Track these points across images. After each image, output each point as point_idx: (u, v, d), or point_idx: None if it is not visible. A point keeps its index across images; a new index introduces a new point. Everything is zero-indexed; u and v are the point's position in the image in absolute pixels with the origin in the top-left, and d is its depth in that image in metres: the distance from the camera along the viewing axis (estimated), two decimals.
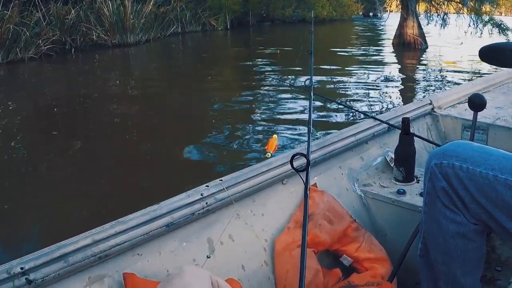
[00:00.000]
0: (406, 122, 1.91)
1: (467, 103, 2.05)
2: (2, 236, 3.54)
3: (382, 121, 2.18)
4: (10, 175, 4.76)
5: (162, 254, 1.37)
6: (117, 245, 1.27)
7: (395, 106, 7.20)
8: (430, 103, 2.60)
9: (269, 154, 1.38)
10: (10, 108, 7.75)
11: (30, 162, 5.20)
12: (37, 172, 4.85)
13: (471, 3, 15.35)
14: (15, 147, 5.71)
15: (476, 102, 1.99)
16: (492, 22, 15.00)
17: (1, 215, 3.82)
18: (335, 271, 1.62)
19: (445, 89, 8.76)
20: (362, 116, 6.26)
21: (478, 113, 2.03)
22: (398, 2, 16.27)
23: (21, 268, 1.11)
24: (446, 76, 10.69)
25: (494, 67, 10.81)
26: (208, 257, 1.42)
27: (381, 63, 12.90)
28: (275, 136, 1.43)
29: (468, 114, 2.04)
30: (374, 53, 15.05)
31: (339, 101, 7.14)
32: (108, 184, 4.49)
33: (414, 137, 1.96)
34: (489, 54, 1.78)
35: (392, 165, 2.02)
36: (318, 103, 7.01)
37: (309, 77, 2.20)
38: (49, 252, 1.16)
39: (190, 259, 1.41)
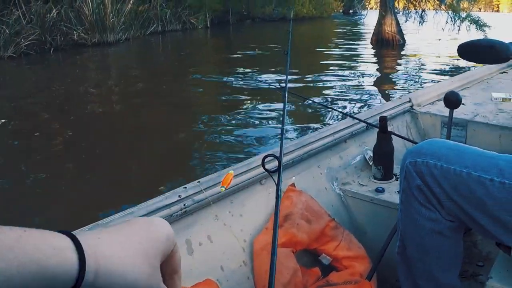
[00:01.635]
0: (383, 121, 1.92)
1: None
2: None
3: (360, 120, 2.18)
4: None
5: None
6: None
7: (373, 105, 7.22)
8: (409, 101, 2.61)
9: (223, 189, 1.38)
10: None
11: (10, 162, 5.14)
12: (17, 173, 4.78)
13: (449, 0, 15.51)
14: None
15: (452, 100, 1.99)
16: (469, 18, 15.16)
17: None
18: (314, 270, 1.62)
19: (424, 86, 8.84)
20: (340, 115, 6.29)
21: (457, 109, 2.04)
22: None
23: None
24: (424, 73, 10.78)
25: (472, 63, 11.01)
26: None
27: (360, 60, 12.94)
28: (231, 172, 1.43)
29: (447, 111, 2.06)
30: (353, 50, 15.10)
31: (317, 101, 7.14)
32: (89, 184, 4.46)
33: (393, 135, 1.97)
34: (467, 50, 1.79)
35: (371, 164, 2.03)
36: (295, 103, 7.01)
37: (284, 78, 2.18)
38: None
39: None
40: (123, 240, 0.54)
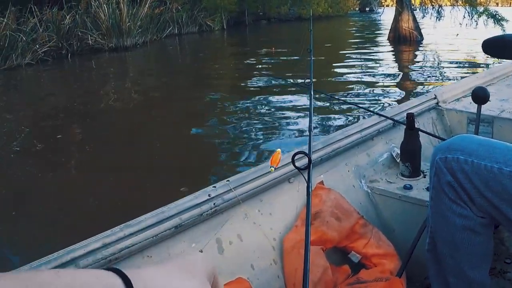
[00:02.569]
0: (410, 118, 1.91)
1: (471, 97, 2.04)
2: (11, 241, 3.55)
3: (387, 117, 2.17)
4: (13, 180, 4.77)
5: (171, 256, 1.37)
6: (127, 248, 1.27)
7: (398, 101, 7.19)
8: (435, 98, 2.59)
9: (272, 169, 1.38)
10: (11, 114, 7.76)
11: (34, 165, 5.21)
12: (40, 177, 4.84)
13: None
14: (18, 151, 5.72)
15: (480, 95, 1.97)
16: (487, 13, 15.02)
17: (8, 221, 3.84)
18: (343, 268, 1.63)
19: (446, 82, 8.78)
20: (366, 112, 6.24)
21: (483, 106, 2.01)
22: None
23: None
24: (444, 69, 10.69)
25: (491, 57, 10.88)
26: (200, 251, 1.43)
27: (379, 57, 12.88)
28: (279, 150, 1.43)
29: (473, 107, 2.04)
30: (371, 47, 15.05)
31: (342, 99, 7.13)
32: (112, 187, 4.50)
33: (420, 132, 1.96)
34: (492, 46, 1.78)
35: (398, 161, 2.02)
36: (321, 101, 7.00)
37: (308, 75, 2.16)
38: (59, 256, 1.17)
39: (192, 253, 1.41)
40: (165, 267, 0.57)
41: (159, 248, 1.37)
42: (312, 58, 2.12)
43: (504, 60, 3.29)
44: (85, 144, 6.01)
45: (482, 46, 1.78)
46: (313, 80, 2.06)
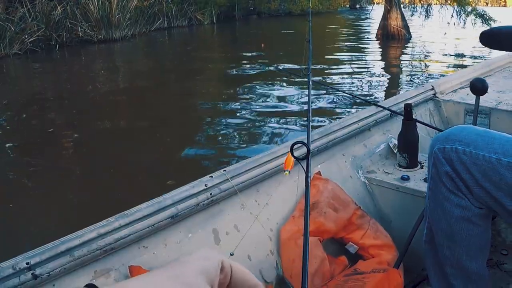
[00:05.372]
0: (408, 108, 1.91)
1: (469, 88, 2.04)
2: (6, 233, 3.52)
3: (384, 108, 2.17)
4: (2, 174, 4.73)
5: (167, 246, 1.37)
6: (122, 238, 1.26)
7: (395, 93, 7.20)
8: (432, 89, 2.60)
9: (287, 173, 1.37)
10: None
11: (21, 158, 5.16)
12: (28, 170, 4.80)
13: None
14: (5, 144, 5.66)
15: (478, 87, 1.98)
16: (475, 12, 15.13)
17: (3, 213, 3.81)
18: (341, 259, 1.62)
19: (430, 78, 8.82)
20: (363, 103, 6.23)
21: (480, 97, 2.03)
22: None
23: (27, 263, 1.10)
24: (431, 66, 10.77)
25: (479, 53, 10.98)
26: (231, 254, 1.42)
27: (367, 54, 12.92)
28: (289, 153, 1.42)
29: (470, 99, 2.04)
30: (359, 44, 15.09)
31: (340, 89, 7.11)
32: (99, 181, 4.47)
33: (417, 123, 1.96)
34: (490, 38, 1.78)
35: (395, 152, 2.02)
36: (318, 93, 6.98)
37: (304, 66, 2.14)
38: (54, 247, 1.16)
39: (196, 250, 1.40)
40: (153, 278, 0.48)
41: (155, 238, 1.36)
42: (311, 48, 2.10)
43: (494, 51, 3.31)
44: (71, 137, 5.96)
45: (479, 38, 1.78)
46: (311, 73, 2.05)
